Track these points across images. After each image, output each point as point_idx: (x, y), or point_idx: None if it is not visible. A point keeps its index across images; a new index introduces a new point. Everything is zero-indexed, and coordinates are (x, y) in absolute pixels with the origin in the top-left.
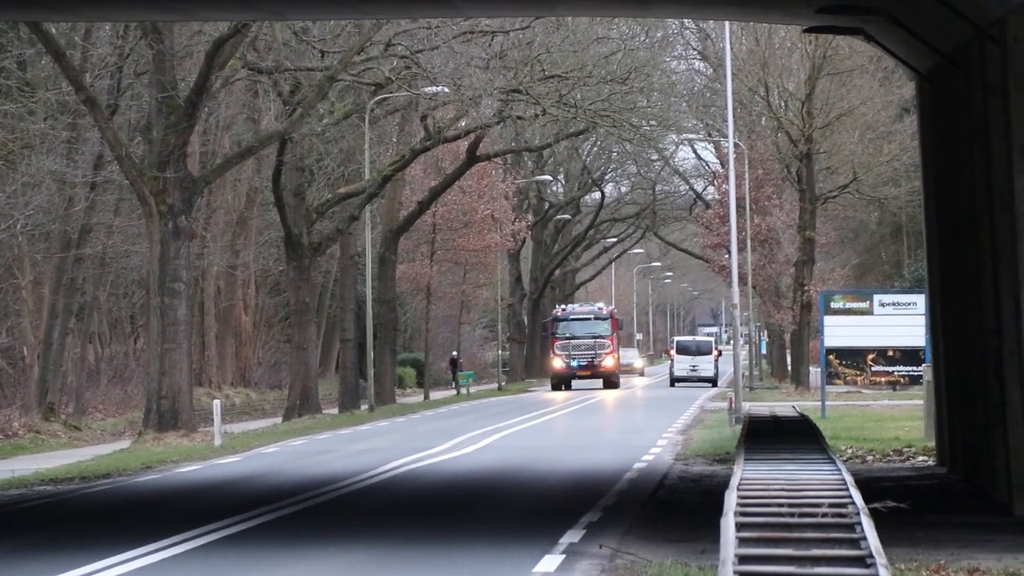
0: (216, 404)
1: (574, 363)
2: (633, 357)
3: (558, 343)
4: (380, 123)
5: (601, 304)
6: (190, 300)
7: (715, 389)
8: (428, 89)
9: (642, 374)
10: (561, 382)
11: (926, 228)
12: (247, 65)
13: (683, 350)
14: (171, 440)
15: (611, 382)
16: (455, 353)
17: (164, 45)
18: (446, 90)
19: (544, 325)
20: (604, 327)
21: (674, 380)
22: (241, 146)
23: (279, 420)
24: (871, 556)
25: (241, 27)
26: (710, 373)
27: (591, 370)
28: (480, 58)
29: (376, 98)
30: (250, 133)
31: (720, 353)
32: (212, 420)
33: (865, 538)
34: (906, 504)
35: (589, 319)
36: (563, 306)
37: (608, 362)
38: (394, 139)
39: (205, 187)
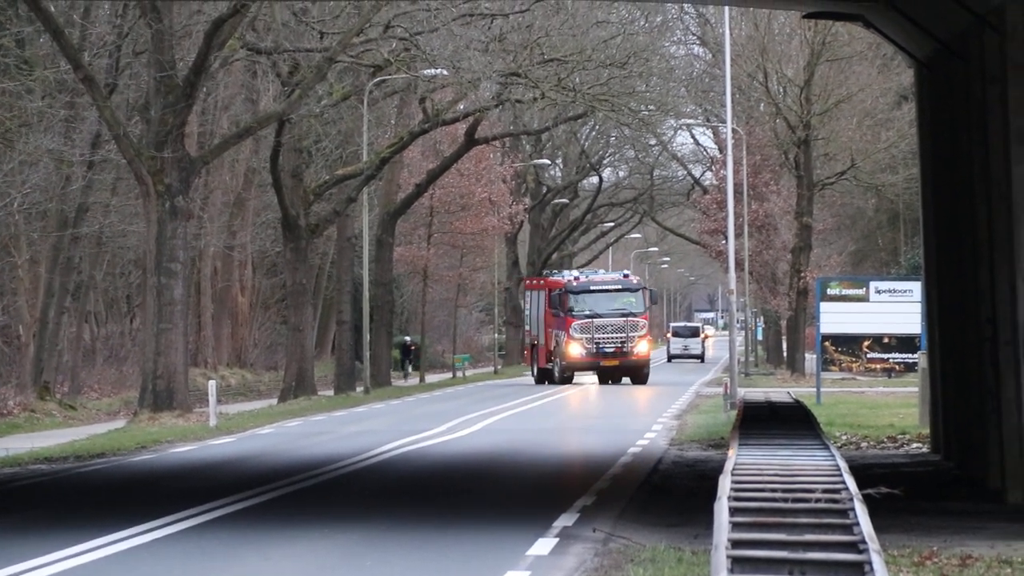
0: (211, 384)
1: (598, 349)
2: None
3: (575, 323)
4: (378, 105)
5: (627, 271)
6: (186, 280)
7: (710, 374)
8: (427, 71)
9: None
10: (574, 372)
11: (923, 216)
12: (246, 45)
13: (677, 334)
14: (166, 420)
15: (642, 375)
16: (407, 338)
17: (163, 24)
18: (445, 73)
19: (554, 299)
20: (636, 302)
21: (671, 357)
22: (239, 127)
23: (275, 401)
24: (864, 541)
25: (240, 7)
26: (698, 351)
27: (620, 358)
28: (479, 41)
29: (375, 80)
30: (248, 114)
31: (707, 336)
32: (207, 401)
33: (858, 524)
34: (899, 490)
35: (615, 291)
36: (576, 273)
37: (642, 348)
38: (392, 121)
39: (203, 167)
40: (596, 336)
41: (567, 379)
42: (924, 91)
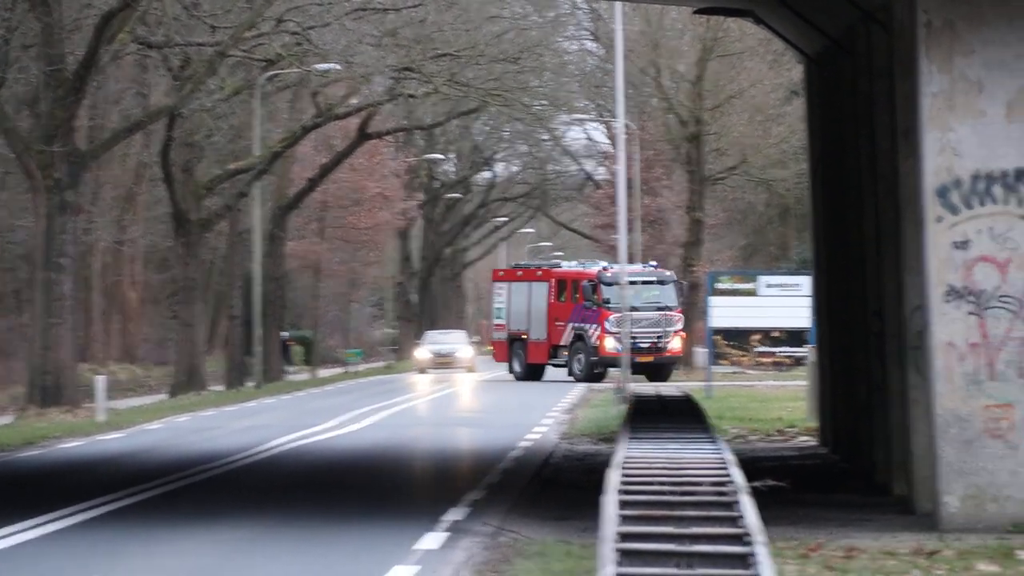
0: (99, 380)
1: (634, 344)
2: (457, 344)
3: (611, 316)
4: (271, 99)
5: (654, 261)
6: (75, 275)
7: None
8: (319, 66)
9: (471, 369)
10: (607, 368)
11: (812, 211)
12: (136, 39)
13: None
14: (54, 416)
15: (666, 372)
16: (285, 334)
17: (52, 18)
18: (337, 67)
19: (586, 290)
20: (670, 294)
21: None
22: (130, 121)
23: (165, 397)
24: (749, 534)
25: (131, 1)
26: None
27: (655, 354)
28: (372, 35)
29: (267, 74)
30: (139, 108)
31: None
32: (96, 396)
33: (744, 516)
34: (785, 483)
35: (651, 283)
36: (604, 264)
37: (676, 344)
38: (285, 116)
39: (92, 161)
40: (634, 331)
41: (599, 376)
42: (813, 87)
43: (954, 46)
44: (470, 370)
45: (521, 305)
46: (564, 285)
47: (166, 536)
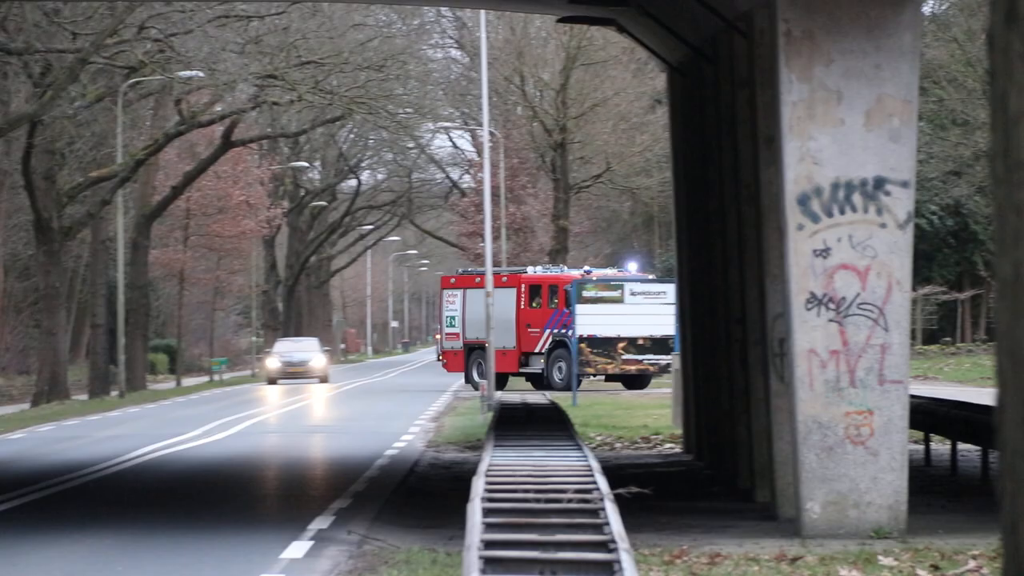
0: None
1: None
2: (309, 353)
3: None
4: (133, 107)
5: (633, 263)
6: None
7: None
8: (182, 73)
9: (325, 379)
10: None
11: (676, 218)
12: None
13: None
14: None
15: (645, 379)
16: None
17: None
18: (201, 74)
19: (570, 294)
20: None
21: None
22: None
23: (27, 406)
24: (614, 541)
25: None
26: None
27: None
28: (236, 43)
29: (129, 81)
30: None
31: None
32: None
33: (609, 523)
34: (649, 490)
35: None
36: (586, 268)
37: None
38: (148, 123)
39: None
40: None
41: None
42: (677, 95)
43: (814, 55)
44: (323, 380)
45: (482, 313)
46: (537, 290)
47: (29, 546)
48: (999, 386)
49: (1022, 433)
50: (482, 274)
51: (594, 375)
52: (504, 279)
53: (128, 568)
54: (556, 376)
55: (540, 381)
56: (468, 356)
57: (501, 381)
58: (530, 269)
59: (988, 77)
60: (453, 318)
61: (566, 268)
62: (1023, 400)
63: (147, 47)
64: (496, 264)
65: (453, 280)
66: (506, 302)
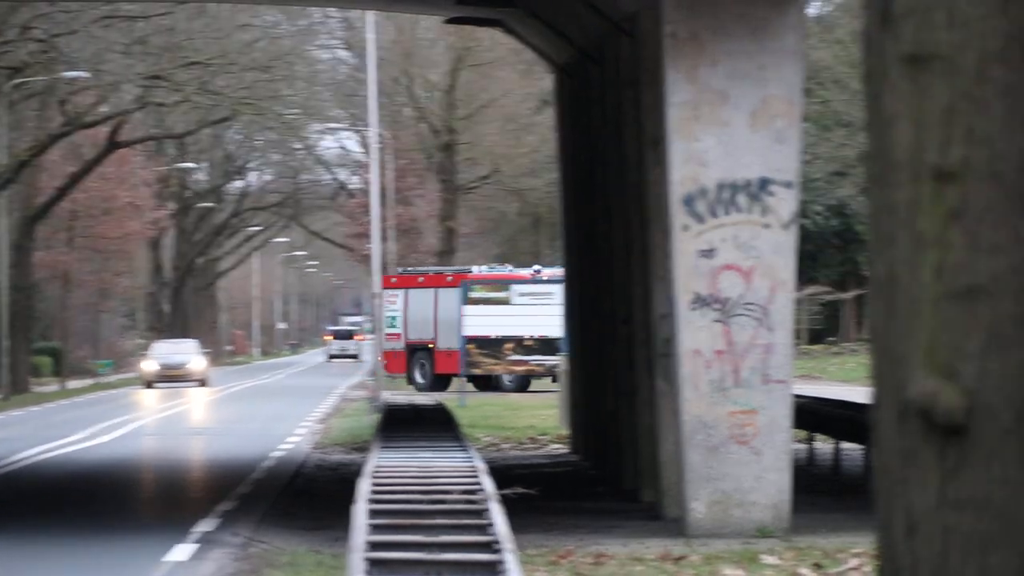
0: None
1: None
2: (187, 355)
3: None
4: (17, 107)
5: (538, 265)
6: None
7: (356, 378)
8: (67, 73)
9: (205, 382)
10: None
11: (562, 219)
12: None
13: (336, 335)
14: None
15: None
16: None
17: None
18: (86, 75)
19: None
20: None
21: (331, 357)
22: None
23: None
24: (499, 541)
25: None
26: (355, 351)
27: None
28: (121, 43)
29: (13, 81)
30: None
31: (363, 337)
32: None
33: (494, 524)
34: (536, 490)
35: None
36: (536, 267)
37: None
38: (32, 124)
39: None
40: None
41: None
42: (564, 96)
43: (699, 57)
44: (203, 383)
45: (425, 312)
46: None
47: None
48: (874, 385)
49: (896, 432)
50: (425, 274)
51: (481, 375)
52: (448, 278)
53: (7, 573)
54: (506, 378)
55: (487, 382)
56: (410, 357)
57: (445, 382)
58: (475, 268)
59: (864, 78)
60: (394, 319)
61: (511, 267)
62: (896, 399)
63: (31, 47)
64: (384, 265)
65: (394, 280)
66: (451, 302)
